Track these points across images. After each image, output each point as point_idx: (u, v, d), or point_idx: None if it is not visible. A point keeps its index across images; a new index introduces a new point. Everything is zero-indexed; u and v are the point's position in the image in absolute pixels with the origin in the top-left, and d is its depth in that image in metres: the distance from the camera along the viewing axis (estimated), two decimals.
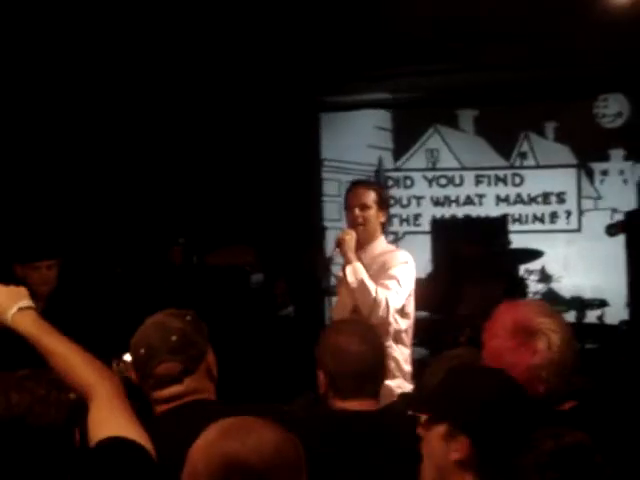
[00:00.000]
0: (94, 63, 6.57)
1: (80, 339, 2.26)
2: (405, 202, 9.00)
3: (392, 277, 4.19)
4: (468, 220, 8.55)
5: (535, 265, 8.21)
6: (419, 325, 4.46)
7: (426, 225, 8.63)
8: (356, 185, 4.58)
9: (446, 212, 8.97)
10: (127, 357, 3.28)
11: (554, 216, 8.75)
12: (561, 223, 8.74)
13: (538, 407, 2.08)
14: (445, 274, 7.23)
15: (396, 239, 8.69)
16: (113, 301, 5.20)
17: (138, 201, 7.56)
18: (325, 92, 8.75)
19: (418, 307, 4.48)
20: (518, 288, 7.48)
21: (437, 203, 9.06)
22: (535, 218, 8.80)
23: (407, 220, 8.91)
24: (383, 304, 4.08)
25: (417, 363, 4.44)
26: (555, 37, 6.81)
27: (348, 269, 4.21)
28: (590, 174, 8.67)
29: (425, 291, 4.46)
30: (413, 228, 8.85)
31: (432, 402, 2.06)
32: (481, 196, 8.96)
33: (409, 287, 4.27)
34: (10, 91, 6.13)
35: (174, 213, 7.77)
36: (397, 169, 9.13)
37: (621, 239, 7.35)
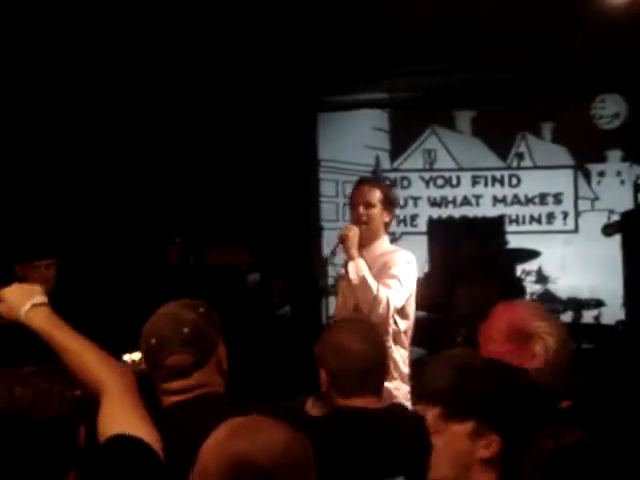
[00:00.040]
0: (94, 63, 6.57)
1: None
2: (402, 203, 9.01)
3: (393, 276, 4.17)
4: (465, 221, 8.55)
5: (532, 266, 8.23)
6: (416, 325, 4.46)
7: (423, 226, 8.62)
8: (362, 183, 4.55)
9: (443, 213, 8.98)
10: (126, 357, 3.29)
11: (551, 217, 8.76)
12: (558, 224, 8.75)
13: (553, 403, 2.09)
14: (442, 274, 7.23)
15: (393, 240, 8.67)
16: (111, 300, 5.20)
17: (135, 201, 7.56)
18: (323, 92, 8.75)
19: (415, 307, 4.48)
20: (515, 288, 7.50)
21: (434, 204, 9.06)
22: (532, 219, 8.80)
23: (404, 221, 8.91)
24: (384, 302, 4.07)
25: (414, 363, 4.44)
26: (553, 38, 6.81)
27: (350, 265, 4.20)
28: (587, 175, 8.68)
29: (422, 291, 4.45)
30: (410, 229, 8.85)
31: (454, 398, 2.02)
32: (478, 197, 8.96)
33: (410, 287, 4.25)
34: (10, 91, 6.13)
35: (171, 213, 7.77)
36: (394, 170, 9.13)
37: (617, 239, 7.35)
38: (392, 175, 9.00)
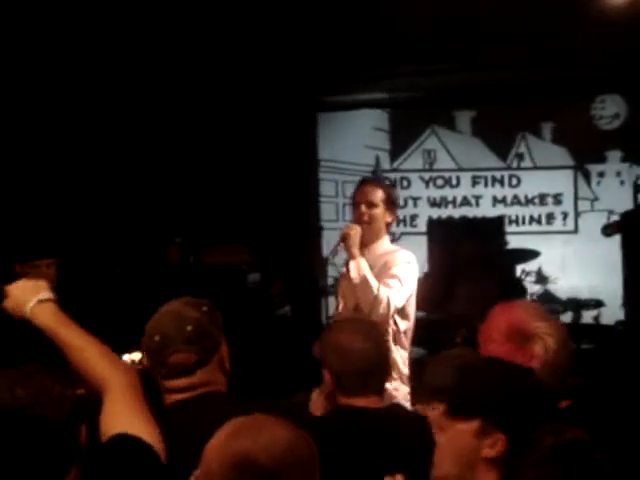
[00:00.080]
0: (94, 63, 6.57)
1: None
2: (402, 203, 9.00)
3: (394, 276, 4.17)
4: (465, 221, 8.55)
5: (532, 266, 8.22)
6: (416, 325, 4.45)
7: (423, 226, 8.61)
8: (365, 182, 4.56)
9: (443, 213, 8.98)
10: (126, 357, 3.29)
11: (551, 217, 8.76)
12: (558, 224, 8.75)
13: (555, 401, 2.09)
14: (441, 274, 7.23)
15: (392, 240, 8.66)
16: (111, 300, 5.20)
17: (135, 201, 7.56)
18: (323, 92, 8.75)
19: (415, 307, 4.47)
20: (515, 288, 7.50)
21: (434, 204, 9.06)
22: (532, 219, 8.80)
23: (404, 221, 8.91)
24: (384, 302, 4.07)
25: (414, 363, 4.44)
26: (553, 38, 6.81)
27: (352, 264, 4.20)
28: (587, 175, 8.68)
29: (422, 291, 4.45)
30: (410, 229, 8.85)
31: (460, 396, 2.02)
32: (478, 197, 8.96)
33: (411, 287, 4.25)
34: (10, 91, 6.13)
35: (171, 213, 7.77)
36: (394, 170, 9.13)
37: (617, 240, 7.36)
38: (392, 175, 9.00)
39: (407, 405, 3.88)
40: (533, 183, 8.80)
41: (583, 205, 8.68)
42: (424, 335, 5.91)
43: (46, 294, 2.33)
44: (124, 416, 2.05)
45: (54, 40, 6.05)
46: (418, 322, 4.49)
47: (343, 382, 2.73)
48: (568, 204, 8.73)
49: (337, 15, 6.47)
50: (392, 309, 4.12)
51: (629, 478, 1.97)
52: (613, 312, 7.77)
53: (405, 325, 4.29)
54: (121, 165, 7.41)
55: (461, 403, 2.00)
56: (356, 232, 4.27)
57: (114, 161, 7.34)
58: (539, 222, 8.79)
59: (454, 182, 9.02)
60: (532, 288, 8.31)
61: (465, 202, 8.97)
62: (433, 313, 6.84)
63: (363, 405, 2.69)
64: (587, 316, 8.06)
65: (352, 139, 9.11)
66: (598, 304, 7.97)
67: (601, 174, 8.64)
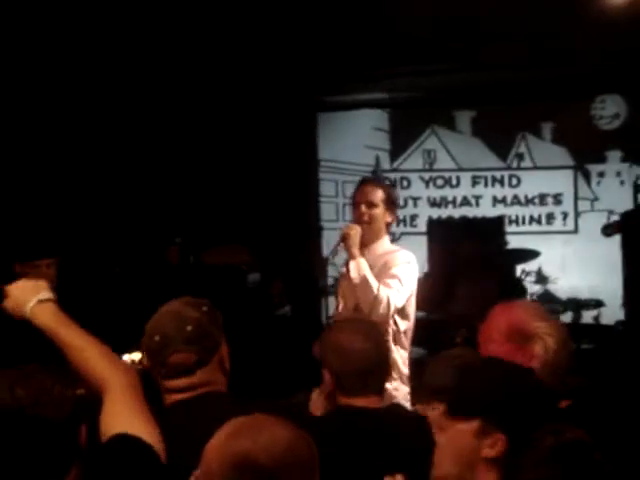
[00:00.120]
0: (94, 63, 6.57)
1: None
2: (402, 203, 9.00)
3: (394, 276, 4.16)
4: (465, 221, 8.55)
5: (532, 266, 8.22)
6: (416, 325, 4.45)
7: (423, 226, 8.61)
8: (365, 182, 4.55)
9: (443, 213, 8.98)
10: (126, 357, 3.29)
11: (551, 217, 8.76)
12: (558, 224, 8.75)
13: (555, 401, 2.10)
14: (441, 274, 7.23)
15: (392, 240, 8.66)
16: (111, 300, 5.20)
17: (135, 201, 7.56)
18: (323, 92, 8.75)
19: (415, 307, 4.47)
20: (515, 288, 7.50)
21: (434, 204, 9.06)
22: (532, 219, 8.80)
23: (404, 221, 8.90)
24: (384, 302, 4.06)
25: (413, 363, 4.43)
26: (553, 38, 6.81)
27: (352, 264, 4.19)
28: (587, 175, 8.68)
29: (421, 291, 4.44)
30: (410, 229, 8.84)
31: (461, 396, 2.02)
32: (478, 197, 8.96)
33: (411, 287, 4.24)
34: (10, 91, 6.13)
35: (171, 213, 7.77)
36: (394, 170, 9.13)
37: (617, 240, 7.35)
38: (392, 175, 9.00)
39: (407, 405, 3.88)
40: (533, 183, 8.80)
41: (583, 205, 8.68)
42: (424, 335, 5.91)
43: (46, 294, 2.33)
44: (124, 416, 2.05)
45: (54, 40, 6.05)
46: (418, 322, 4.49)
47: (343, 382, 2.73)
48: (568, 204, 8.72)
49: (337, 15, 6.47)
50: (392, 309, 4.11)
51: (629, 478, 1.97)
52: (613, 312, 7.77)
53: (405, 325, 4.28)
54: (121, 165, 7.41)
55: (461, 403, 2.00)
56: (356, 232, 4.26)
57: (114, 161, 7.34)
58: (539, 222, 8.79)
59: (454, 182, 9.02)
60: (532, 288, 8.31)
61: (465, 202, 8.97)
62: (433, 313, 6.84)
63: (363, 405, 2.69)
64: (587, 316, 8.06)
65: (352, 139, 9.11)
66: (598, 304, 7.97)
67: (601, 174, 8.64)
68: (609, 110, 8.54)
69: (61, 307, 2.34)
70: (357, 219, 4.37)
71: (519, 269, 8.00)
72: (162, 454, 2.03)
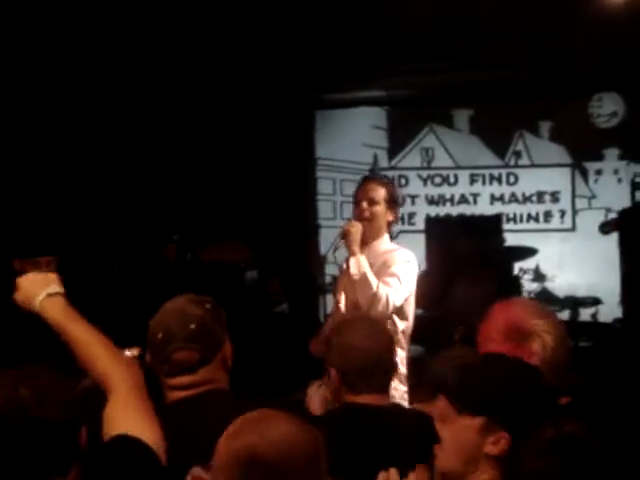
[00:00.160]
0: (94, 63, 6.57)
1: None
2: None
3: (393, 274, 4.15)
4: (463, 219, 8.55)
5: (529, 264, 8.23)
6: (414, 323, 4.45)
7: (421, 224, 8.60)
8: (367, 179, 4.54)
9: (441, 211, 8.99)
10: (127, 353, 3.29)
11: (548, 215, 8.77)
12: (555, 222, 8.76)
13: (556, 399, 2.10)
14: (439, 272, 7.23)
15: (390, 238, 8.67)
16: (110, 298, 5.21)
17: (133, 199, 7.55)
18: (321, 89, 8.75)
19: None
20: (512, 286, 7.50)
21: (432, 202, 9.07)
22: (529, 217, 8.81)
23: (402, 219, 8.85)
24: (383, 299, 4.06)
25: (412, 361, 4.43)
26: (551, 36, 6.82)
27: (352, 261, 4.18)
28: (584, 173, 8.69)
29: (420, 289, 4.44)
30: (407, 227, 8.83)
31: (469, 393, 2.02)
32: (475, 195, 8.97)
33: (409, 286, 4.22)
34: (11, 91, 6.13)
35: (169, 210, 7.77)
36: (392, 168, 9.13)
37: (614, 237, 7.36)
38: (390, 173, 8.97)
39: (405, 404, 3.88)
40: (531, 181, 8.81)
41: (581, 203, 8.69)
42: (422, 333, 5.91)
43: (55, 288, 2.31)
44: (126, 416, 2.04)
45: (54, 40, 6.05)
46: (416, 320, 4.48)
47: (349, 379, 2.74)
48: (566, 202, 8.73)
49: (335, 13, 6.47)
50: (391, 307, 4.11)
51: (629, 474, 1.97)
52: (611, 310, 7.78)
53: (403, 325, 4.27)
54: (119, 163, 7.41)
55: (468, 399, 2.00)
56: (357, 229, 4.24)
57: (112, 159, 7.34)
58: (537, 220, 8.79)
59: (452, 180, 9.03)
60: (530, 286, 8.32)
61: (463, 200, 8.98)
62: (431, 311, 6.84)
63: (368, 402, 2.70)
64: (585, 314, 8.08)
65: (350, 137, 9.11)
66: (596, 302, 7.98)
67: (599, 172, 8.65)
68: (607, 108, 8.55)
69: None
70: (358, 216, 4.35)
71: (517, 267, 8.01)
72: (163, 455, 2.02)
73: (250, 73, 7.59)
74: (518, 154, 8.85)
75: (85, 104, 6.96)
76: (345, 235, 4.25)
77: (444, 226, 8.43)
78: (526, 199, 8.81)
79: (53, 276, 2.36)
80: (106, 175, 7.25)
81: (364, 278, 4.10)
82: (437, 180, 9.06)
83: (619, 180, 8.53)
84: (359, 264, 4.14)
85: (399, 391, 4.17)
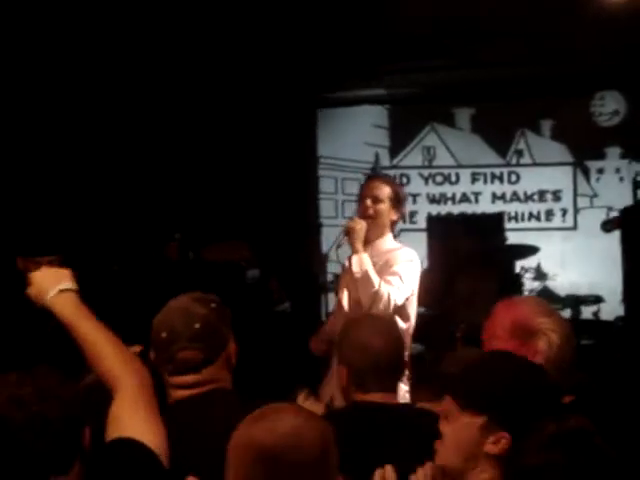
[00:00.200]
0: (94, 63, 6.57)
1: None
2: None
3: (395, 273, 4.14)
4: (464, 217, 8.55)
5: (531, 262, 8.23)
6: (415, 320, 4.44)
7: (422, 222, 8.59)
8: (372, 177, 4.57)
9: (442, 210, 8.98)
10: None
11: (550, 214, 8.77)
12: (557, 221, 8.76)
13: (560, 398, 2.10)
14: (441, 270, 7.23)
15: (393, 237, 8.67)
16: (111, 298, 5.20)
17: (134, 197, 7.55)
18: (323, 88, 8.75)
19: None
20: (514, 285, 7.50)
21: (433, 200, 9.07)
22: (531, 216, 8.81)
23: (403, 217, 8.89)
24: (385, 298, 4.04)
25: (413, 359, 4.42)
26: (552, 35, 6.81)
27: (354, 258, 4.16)
28: (586, 172, 8.69)
29: (421, 287, 4.43)
30: (409, 225, 8.83)
31: (473, 391, 2.02)
32: (477, 194, 8.97)
33: (412, 285, 4.21)
34: (11, 91, 6.13)
35: (170, 209, 7.77)
36: (393, 167, 9.13)
37: (616, 236, 7.36)
38: (391, 172, 8.98)
39: None
40: (532, 180, 8.81)
41: (582, 202, 8.69)
42: (423, 331, 5.91)
43: (67, 284, 2.30)
44: (131, 417, 2.03)
45: (54, 40, 6.05)
46: (418, 318, 4.48)
47: (358, 377, 2.73)
48: (567, 201, 8.73)
49: (337, 12, 6.47)
50: (392, 306, 4.10)
51: (632, 471, 1.97)
52: (613, 308, 7.77)
53: (405, 325, 4.26)
54: (120, 162, 7.41)
55: (472, 397, 2.00)
56: (361, 227, 4.23)
57: (113, 158, 7.33)
58: (538, 219, 8.79)
59: (453, 179, 9.02)
60: (531, 285, 8.31)
61: (464, 199, 8.98)
62: (433, 309, 6.84)
63: (378, 401, 2.70)
64: (587, 312, 8.07)
65: (351, 136, 9.11)
66: (597, 300, 7.98)
67: (600, 171, 8.65)
68: (608, 107, 8.54)
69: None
70: (362, 214, 4.34)
71: (518, 265, 8.01)
72: (165, 458, 2.01)
73: (252, 72, 7.59)
74: (520, 153, 8.85)
75: (86, 103, 6.96)
76: (349, 232, 4.23)
77: (446, 225, 8.43)
78: (528, 198, 8.81)
79: (66, 272, 2.35)
80: (107, 174, 7.25)
81: (366, 276, 4.08)
82: (438, 179, 9.06)
83: (621, 179, 8.53)
84: (361, 262, 4.12)
85: (401, 390, 4.17)
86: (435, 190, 9.05)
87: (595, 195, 8.63)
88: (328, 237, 8.55)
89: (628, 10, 6.23)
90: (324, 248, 8.65)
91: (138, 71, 7.08)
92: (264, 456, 1.75)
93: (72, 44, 6.21)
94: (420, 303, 4.47)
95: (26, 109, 6.41)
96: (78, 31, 6.08)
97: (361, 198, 4.40)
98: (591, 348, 6.96)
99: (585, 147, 8.65)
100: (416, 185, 9.05)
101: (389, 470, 2.17)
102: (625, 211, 7.45)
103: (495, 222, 8.07)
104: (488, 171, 8.94)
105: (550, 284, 8.44)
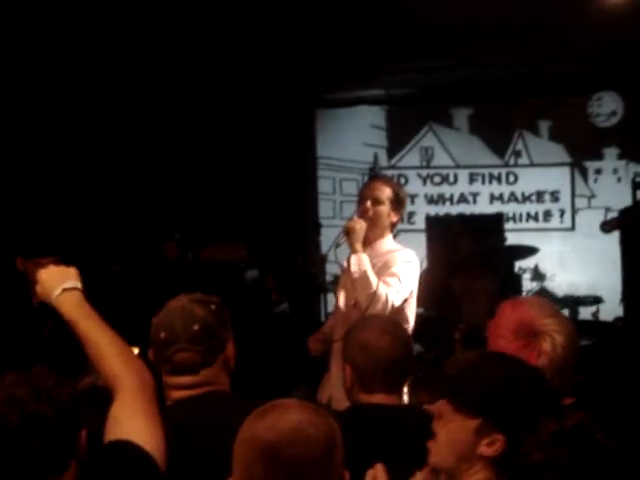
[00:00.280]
0: (94, 63, 6.57)
1: None
2: None
3: (393, 274, 4.12)
4: (463, 218, 8.55)
5: (529, 263, 8.23)
6: (414, 321, 4.44)
7: (421, 223, 8.60)
8: (373, 179, 4.55)
9: (440, 210, 8.99)
10: None
11: (548, 214, 8.78)
12: (555, 221, 8.77)
13: (558, 401, 2.10)
14: (439, 271, 7.23)
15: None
16: (110, 298, 5.19)
17: (134, 197, 7.56)
18: (322, 88, 8.75)
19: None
20: (513, 285, 7.50)
21: (431, 201, 9.08)
22: (529, 216, 8.82)
23: (401, 218, 8.88)
24: (382, 299, 4.03)
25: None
26: (550, 36, 6.82)
27: (353, 258, 4.14)
28: (584, 173, 8.70)
29: (420, 288, 4.43)
30: (407, 226, 8.82)
31: (468, 393, 2.01)
32: (475, 194, 8.98)
33: (410, 286, 4.19)
34: (12, 92, 6.13)
35: (169, 209, 7.77)
36: (391, 167, 9.14)
37: (614, 236, 7.37)
38: (389, 172, 8.99)
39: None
40: (530, 180, 8.83)
41: (580, 202, 8.71)
42: (422, 331, 5.91)
43: (73, 282, 2.28)
44: (131, 418, 2.03)
45: (54, 40, 6.05)
46: (416, 318, 4.47)
47: (365, 378, 2.72)
48: (565, 201, 8.75)
49: (335, 12, 6.47)
50: (389, 307, 4.08)
51: (633, 469, 1.97)
52: (612, 308, 7.78)
53: (404, 326, 4.26)
54: (119, 162, 7.41)
55: (467, 400, 2.00)
56: (361, 227, 4.21)
57: (113, 159, 7.34)
58: (536, 219, 8.80)
59: (451, 179, 9.03)
60: (529, 285, 8.31)
61: (462, 199, 8.99)
62: (431, 310, 6.84)
63: (384, 402, 2.69)
64: (586, 312, 8.08)
65: (350, 137, 9.12)
66: (596, 300, 7.98)
67: (598, 171, 8.66)
68: (606, 107, 8.56)
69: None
70: (361, 214, 4.33)
71: (517, 266, 8.01)
72: (162, 460, 2.01)
73: (251, 72, 7.59)
74: (518, 153, 8.86)
75: (86, 104, 6.96)
76: (348, 232, 4.21)
77: (444, 225, 8.43)
78: (526, 198, 8.83)
79: (73, 270, 2.33)
80: (107, 175, 7.25)
81: (364, 276, 4.07)
82: (437, 179, 9.07)
83: (618, 179, 8.54)
84: (360, 262, 4.11)
85: None
86: (433, 190, 9.06)
87: (593, 196, 8.64)
88: (326, 238, 8.55)
89: (626, 11, 6.24)
90: (323, 249, 8.65)
91: (137, 73, 7.09)
92: (265, 451, 1.75)
93: (72, 45, 6.21)
94: (419, 304, 4.47)
95: (26, 111, 6.41)
96: (78, 32, 6.07)
97: (361, 199, 4.38)
98: (590, 349, 6.96)
99: (583, 148, 8.67)
100: (414, 185, 9.06)
101: (380, 469, 2.17)
102: (624, 212, 7.46)
103: (494, 222, 8.08)
104: (486, 171, 8.95)
105: (548, 285, 8.44)
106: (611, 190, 8.53)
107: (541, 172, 8.81)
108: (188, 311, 2.51)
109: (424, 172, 9.09)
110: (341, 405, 3.27)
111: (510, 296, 2.74)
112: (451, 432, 2.01)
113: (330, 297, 6.53)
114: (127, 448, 1.97)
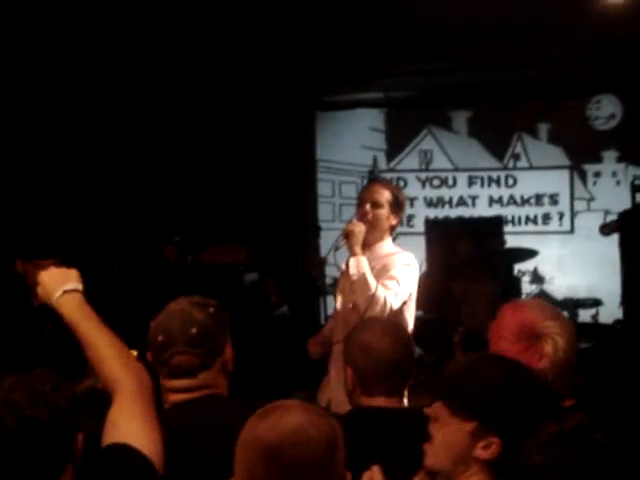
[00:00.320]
0: (94, 63, 6.57)
1: None
2: None
3: (392, 277, 4.12)
4: (462, 221, 8.54)
5: (528, 266, 8.23)
6: (413, 324, 4.44)
7: (420, 226, 8.60)
8: (373, 182, 4.54)
9: (439, 213, 8.99)
10: None
11: (547, 217, 8.78)
12: (554, 224, 8.77)
13: (557, 404, 2.10)
14: (439, 274, 7.23)
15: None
16: (110, 300, 5.18)
17: (134, 200, 7.55)
18: (321, 92, 8.76)
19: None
20: (512, 288, 7.50)
21: (430, 204, 9.08)
22: (528, 219, 8.82)
23: (400, 221, 8.88)
24: (381, 301, 4.02)
25: None
26: (549, 38, 6.82)
27: (352, 261, 4.14)
28: (583, 176, 8.70)
29: (419, 291, 4.42)
30: (406, 229, 8.82)
31: (465, 396, 2.01)
32: (474, 197, 8.98)
33: (409, 289, 4.19)
34: (12, 93, 6.13)
35: (169, 212, 7.77)
36: (390, 170, 9.14)
37: (614, 239, 7.37)
38: (388, 175, 9.00)
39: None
40: (529, 183, 8.83)
41: (579, 205, 8.71)
42: (422, 334, 5.91)
43: (73, 284, 2.29)
44: (129, 422, 2.03)
45: (54, 40, 6.05)
46: (416, 321, 4.47)
47: (366, 381, 2.72)
48: (564, 204, 8.75)
49: (335, 15, 6.47)
50: (388, 310, 4.08)
51: (634, 470, 1.97)
52: (611, 311, 7.78)
53: None
54: (120, 164, 7.41)
55: (463, 403, 2.00)
56: (360, 230, 4.20)
57: (113, 161, 7.34)
58: (535, 222, 8.80)
59: (450, 182, 9.03)
60: (529, 288, 8.32)
61: (461, 202, 8.99)
62: (431, 312, 6.85)
63: (385, 405, 2.69)
64: (585, 315, 8.08)
65: (349, 140, 9.13)
66: (596, 303, 7.98)
67: (597, 174, 8.66)
68: (605, 110, 8.56)
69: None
70: (360, 217, 4.32)
71: (516, 269, 8.01)
72: (160, 463, 2.01)
73: (251, 75, 7.59)
74: (517, 156, 8.86)
75: (87, 107, 6.96)
76: (348, 235, 4.21)
77: (443, 228, 8.42)
78: (525, 201, 8.83)
79: (73, 272, 2.33)
80: (107, 177, 7.25)
81: (363, 279, 4.06)
82: (435, 182, 9.07)
83: (617, 182, 8.54)
84: (359, 264, 4.10)
85: None
86: (432, 193, 9.06)
87: (592, 198, 8.65)
88: (325, 240, 8.55)
89: (626, 14, 6.25)
90: (322, 252, 8.65)
91: (138, 76, 7.09)
92: (266, 452, 1.75)
93: (72, 46, 6.22)
94: (418, 307, 4.46)
95: (27, 113, 6.41)
96: (78, 33, 6.08)
97: (360, 202, 4.37)
98: (590, 351, 6.96)
99: (582, 150, 8.67)
100: (413, 188, 9.06)
101: (376, 471, 2.17)
102: (623, 214, 7.46)
103: (494, 225, 8.07)
104: (485, 174, 8.95)
105: (548, 287, 8.45)
106: (610, 193, 8.53)
107: (540, 175, 8.81)
108: (186, 314, 2.50)
109: (423, 175, 9.09)
110: (341, 407, 3.27)
111: (510, 299, 2.74)
112: (447, 435, 2.02)
113: (330, 300, 6.53)
114: (125, 451, 1.97)
